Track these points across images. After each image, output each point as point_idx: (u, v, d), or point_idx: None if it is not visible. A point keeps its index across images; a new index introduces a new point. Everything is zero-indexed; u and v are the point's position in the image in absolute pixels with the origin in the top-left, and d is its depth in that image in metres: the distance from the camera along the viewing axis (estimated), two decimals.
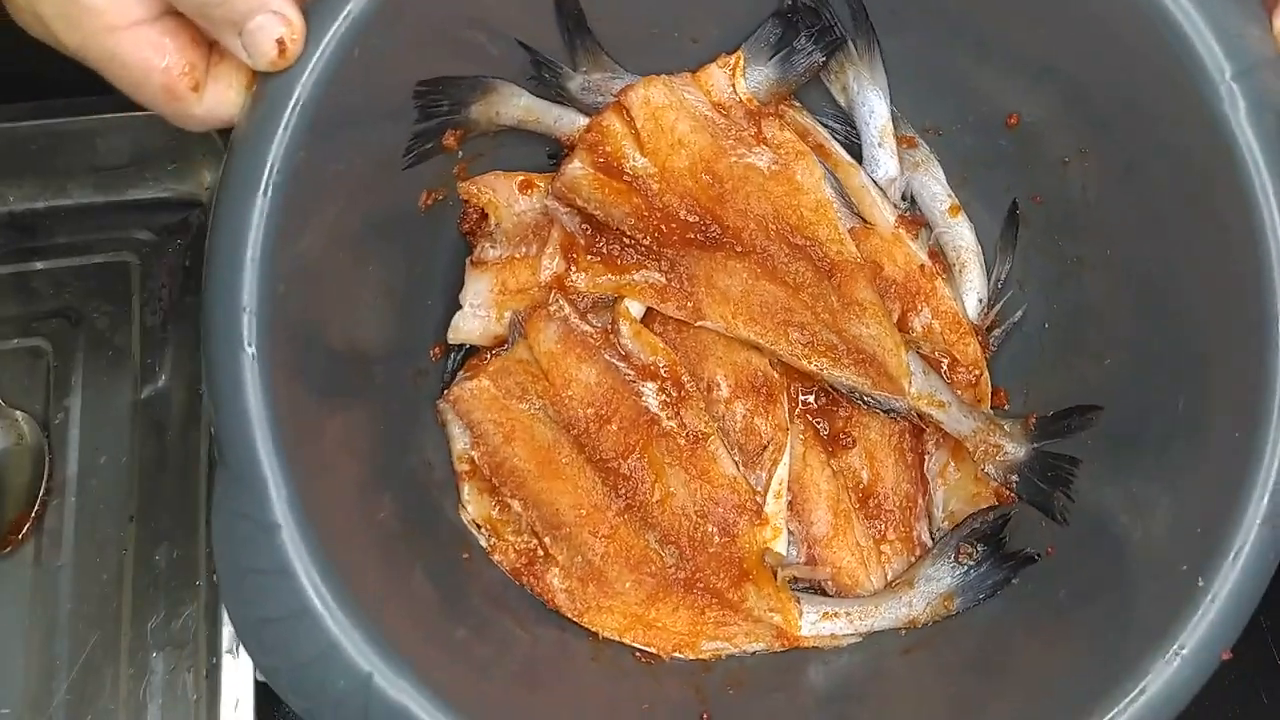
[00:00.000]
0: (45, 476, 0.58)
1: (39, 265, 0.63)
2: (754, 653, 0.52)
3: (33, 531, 0.57)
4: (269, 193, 0.43)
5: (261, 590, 0.41)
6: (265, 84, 0.43)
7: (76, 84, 0.63)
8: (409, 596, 0.47)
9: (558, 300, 0.54)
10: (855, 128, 0.58)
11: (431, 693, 0.41)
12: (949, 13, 0.53)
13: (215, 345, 0.42)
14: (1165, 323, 0.48)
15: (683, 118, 0.55)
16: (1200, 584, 0.41)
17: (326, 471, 0.45)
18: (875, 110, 0.57)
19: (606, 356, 0.54)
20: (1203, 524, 0.43)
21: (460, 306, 0.56)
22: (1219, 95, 0.44)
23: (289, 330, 0.44)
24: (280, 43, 0.41)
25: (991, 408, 0.56)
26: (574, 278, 0.54)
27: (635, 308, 0.54)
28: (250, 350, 0.42)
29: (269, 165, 0.43)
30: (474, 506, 0.54)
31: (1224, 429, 0.43)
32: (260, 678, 0.53)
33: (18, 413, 0.59)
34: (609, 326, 0.54)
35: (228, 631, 0.52)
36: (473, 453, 0.53)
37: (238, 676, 0.51)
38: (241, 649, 0.51)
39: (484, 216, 0.57)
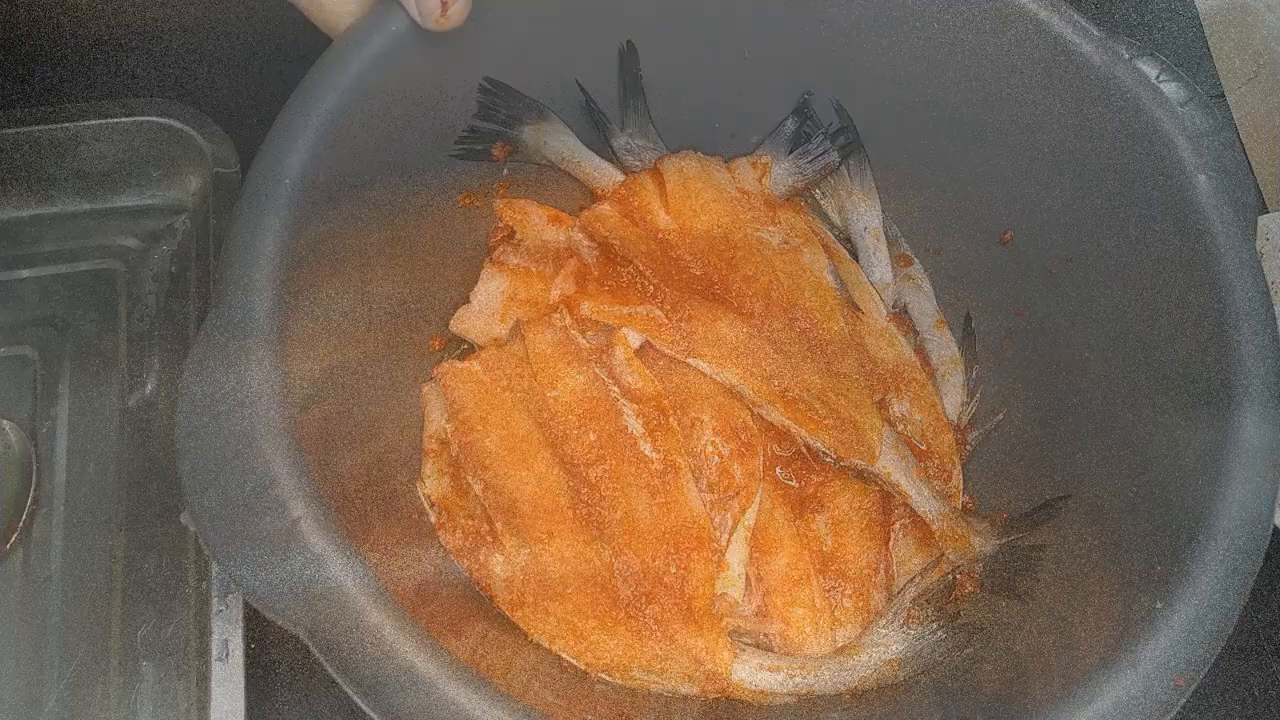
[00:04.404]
0: (33, 486, 0.57)
1: (25, 273, 0.63)
2: (685, 695, 0.50)
3: (20, 542, 0.56)
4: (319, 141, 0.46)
5: (215, 417, 0.40)
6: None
7: (60, 90, 0.63)
8: (351, 486, 0.46)
9: (561, 312, 0.56)
10: (853, 243, 0.62)
11: (354, 549, 0.39)
12: (953, 131, 0.57)
13: (247, 201, 0.45)
14: (1137, 414, 0.50)
15: (709, 189, 0.58)
16: (1158, 605, 0.42)
17: (311, 352, 0.45)
18: (868, 224, 0.61)
19: (596, 370, 0.55)
20: (1163, 561, 0.44)
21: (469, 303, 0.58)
22: (1193, 186, 0.48)
23: (305, 250, 0.45)
24: (444, 3, 0.47)
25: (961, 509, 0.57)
26: (581, 304, 0.56)
27: (634, 337, 0.56)
28: (279, 212, 0.44)
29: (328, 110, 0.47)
30: (432, 483, 0.54)
31: (1187, 487, 0.45)
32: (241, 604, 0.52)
33: (4, 421, 0.58)
34: (604, 347, 0.56)
35: (218, 639, 0.51)
36: (447, 426, 0.53)
37: (229, 684, 0.51)
38: (231, 655, 0.51)
39: (511, 235, 0.59)
